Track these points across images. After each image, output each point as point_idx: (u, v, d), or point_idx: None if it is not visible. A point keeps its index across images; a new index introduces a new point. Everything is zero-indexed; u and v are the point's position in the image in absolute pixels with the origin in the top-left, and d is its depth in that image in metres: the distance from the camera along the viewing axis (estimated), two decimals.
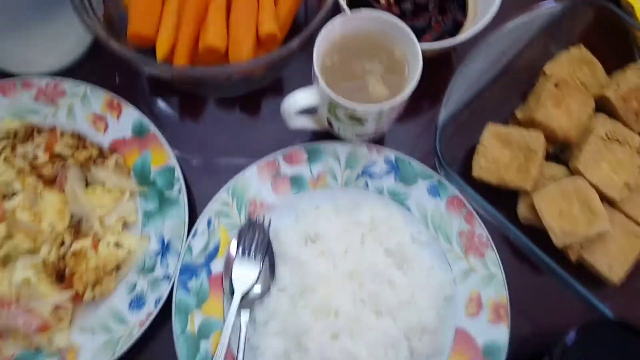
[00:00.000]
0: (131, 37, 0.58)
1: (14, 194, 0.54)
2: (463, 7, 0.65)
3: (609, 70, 0.64)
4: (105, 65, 0.65)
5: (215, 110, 0.65)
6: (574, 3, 0.62)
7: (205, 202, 0.56)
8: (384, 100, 0.51)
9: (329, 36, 0.52)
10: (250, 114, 0.65)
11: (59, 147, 0.56)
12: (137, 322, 0.51)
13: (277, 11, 0.60)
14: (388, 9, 0.62)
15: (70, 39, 0.63)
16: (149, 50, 0.58)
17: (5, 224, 0.52)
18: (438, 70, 0.61)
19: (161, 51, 0.57)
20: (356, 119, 0.52)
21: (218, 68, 0.53)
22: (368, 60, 0.54)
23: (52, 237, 0.52)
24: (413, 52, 0.53)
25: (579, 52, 0.64)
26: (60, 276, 0.52)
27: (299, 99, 0.52)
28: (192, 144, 0.62)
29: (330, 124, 0.56)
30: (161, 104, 0.64)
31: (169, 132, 0.59)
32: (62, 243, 0.52)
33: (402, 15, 0.61)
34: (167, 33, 0.57)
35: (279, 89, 0.66)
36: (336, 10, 0.57)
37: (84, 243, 0.52)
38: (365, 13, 0.54)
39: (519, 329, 0.55)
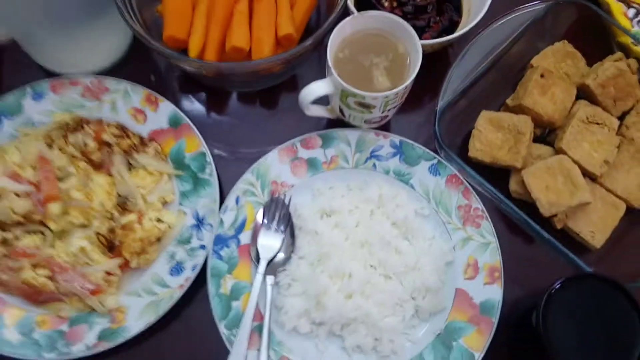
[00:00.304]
0: (166, 40, 0.66)
1: (67, 177, 0.62)
2: (458, 9, 0.72)
3: (590, 62, 0.71)
4: (141, 67, 0.73)
5: (238, 104, 0.73)
6: (557, 2, 0.70)
7: (231, 184, 0.64)
8: (387, 89, 0.59)
9: (341, 33, 0.60)
10: (269, 107, 0.73)
11: (106, 136, 0.64)
12: (177, 285, 0.59)
13: (293, 15, 0.68)
14: (391, 11, 0.70)
15: (110, 43, 0.71)
16: (182, 52, 0.66)
17: (61, 202, 0.60)
18: (436, 65, 0.69)
19: (193, 51, 0.65)
20: (365, 106, 0.60)
21: (244, 64, 0.61)
22: (375, 54, 0.61)
23: (102, 213, 0.60)
24: (414, 48, 0.61)
25: (563, 47, 0.71)
26: (110, 246, 0.60)
27: (315, 88, 0.59)
28: (218, 134, 0.70)
29: (341, 112, 0.64)
30: (190, 99, 0.72)
31: (197, 123, 0.67)
32: (111, 218, 0.60)
33: (404, 17, 0.69)
34: (198, 35, 0.65)
35: (294, 84, 0.73)
36: (345, 14, 0.64)
37: (130, 218, 0.60)
38: (372, 13, 0.62)
39: (511, 292, 0.61)
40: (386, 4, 0.71)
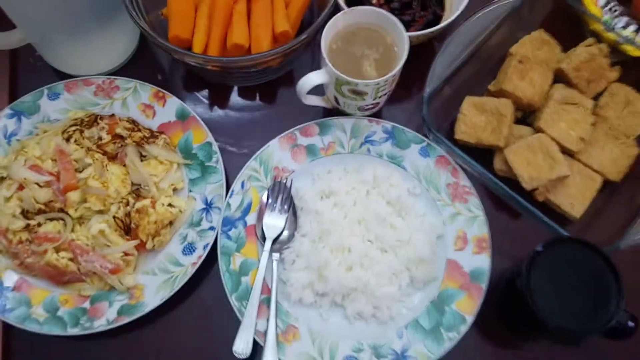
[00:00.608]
0: (172, 39, 0.71)
1: (85, 167, 0.67)
2: (441, 3, 0.78)
3: (565, 48, 0.76)
4: (147, 67, 0.78)
5: (238, 98, 0.78)
6: None
7: (236, 172, 0.69)
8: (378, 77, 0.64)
9: (334, 27, 0.66)
10: (269, 100, 0.78)
11: (119, 130, 0.69)
12: (190, 263, 0.64)
13: (288, 13, 0.74)
14: (379, 7, 0.75)
15: (119, 46, 0.77)
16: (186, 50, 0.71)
17: (80, 190, 0.65)
18: (423, 56, 0.75)
19: (197, 49, 0.70)
20: (358, 93, 0.65)
21: (245, 57, 0.66)
22: (366, 46, 0.67)
23: (118, 199, 0.65)
24: (401, 39, 0.66)
25: (539, 35, 0.77)
26: (127, 229, 0.65)
27: (312, 78, 0.65)
28: (222, 126, 0.75)
29: (337, 100, 0.69)
30: (195, 95, 0.78)
31: (202, 117, 0.72)
32: (127, 203, 0.65)
33: (391, 12, 0.74)
34: (201, 35, 0.71)
35: (291, 79, 0.79)
36: (336, 10, 0.70)
37: (145, 203, 0.65)
38: (362, 9, 0.67)
39: (499, 262, 0.66)
40: (374, 0, 0.77)
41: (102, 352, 0.63)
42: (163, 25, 0.74)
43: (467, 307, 0.63)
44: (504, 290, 0.64)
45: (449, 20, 0.71)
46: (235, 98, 0.78)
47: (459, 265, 0.66)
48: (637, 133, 0.72)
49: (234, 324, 0.61)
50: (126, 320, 0.61)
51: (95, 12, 0.69)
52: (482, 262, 0.65)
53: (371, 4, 0.75)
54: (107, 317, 0.61)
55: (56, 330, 0.61)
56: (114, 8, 0.69)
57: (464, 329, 0.62)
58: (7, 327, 0.63)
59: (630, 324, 0.58)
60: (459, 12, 0.71)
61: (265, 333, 0.61)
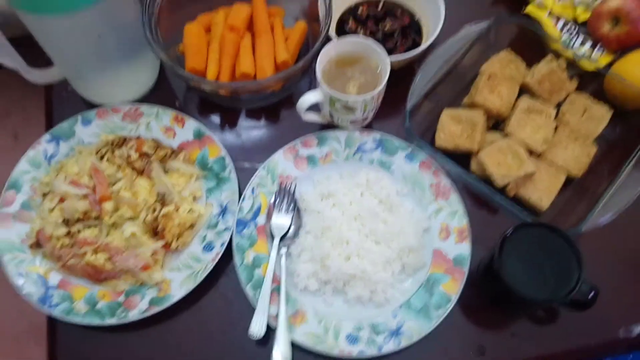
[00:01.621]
0: (188, 71, 0.82)
1: (117, 181, 0.77)
2: (419, 32, 0.90)
3: (529, 65, 0.87)
4: (167, 94, 0.90)
5: (246, 119, 0.89)
6: (498, 20, 0.87)
7: (246, 180, 0.79)
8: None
9: (327, 54, 0.77)
10: (273, 119, 0.89)
11: (145, 148, 0.79)
12: (210, 259, 0.73)
13: (288, 46, 0.86)
14: (365, 37, 0.87)
15: (142, 77, 0.88)
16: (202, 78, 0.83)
17: (113, 201, 0.75)
18: (405, 77, 0.85)
19: (211, 77, 0.81)
20: (349, 108, 0.76)
21: (251, 83, 0.78)
22: (354, 69, 0.78)
23: (146, 207, 0.75)
24: (384, 63, 0.77)
25: (506, 54, 0.88)
26: (155, 232, 0.74)
27: (309, 97, 0.76)
28: (233, 142, 0.86)
29: (331, 116, 0.80)
30: (209, 117, 0.89)
31: (215, 137, 0.83)
32: (154, 210, 0.75)
33: (375, 41, 0.86)
34: (213, 66, 0.83)
35: (291, 102, 0.89)
36: (328, 41, 0.81)
37: (169, 209, 0.75)
38: (351, 39, 0.79)
39: (478, 250, 0.74)
40: (361, 32, 0.89)
41: (135, 338, 0.72)
42: (180, 59, 0.87)
43: (451, 288, 0.72)
44: (483, 272, 0.73)
45: (425, 45, 0.83)
46: (243, 119, 0.89)
47: (443, 253, 0.75)
48: (595, 135, 0.82)
49: (249, 311, 0.71)
50: (156, 310, 0.70)
51: (123, 49, 0.80)
52: (463, 249, 0.75)
53: (358, 35, 0.87)
54: (139, 308, 0.71)
55: (96, 321, 0.70)
56: (139, 45, 0.81)
57: (449, 307, 0.71)
58: (52, 319, 0.72)
59: (591, 294, 0.68)
60: (432, 39, 0.83)
61: (277, 317, 0.70)
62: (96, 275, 0.73)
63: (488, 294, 0.74)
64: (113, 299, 0.72)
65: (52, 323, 0.73)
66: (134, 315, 0.70)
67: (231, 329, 0.73)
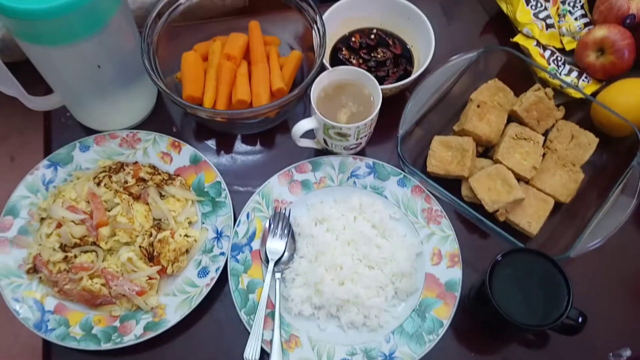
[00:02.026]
0: (186, 98, 0.84)
1: (113, 207, 0.78)
2: (410, 61, 0.92)
3: (517, 94, 0.90)
4: (164, 121, 0.92)
5: (242, 144, 0.91)
6: (486, 50, 0.90)
7: (242, 205, 0.80)
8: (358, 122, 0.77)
9: (321, 83, 0.79)
10: (268, 145, 0.91)
11: (142, 174, 0.81)
12: (204, 284, 0.74)
13: (283, 74, 0.88)
14: (358, 66, 0.90)
15: (140, 104, 0.90)
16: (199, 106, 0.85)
17: (110, 226, 0.76)
18: (397, 104, 0.88)
19: (208, 105, 0.83)
20: (342, 135, 0.78)
21: (248, 110, 0.80)
22: (347, 97, 0.81)
23: (143, 232, 0.76)
24: (376, 91, 0.80)
25: (495, 83, 0.91)
26: (150, 257, 0.75)
27: (303, 124, 0.78)
28: (228, 168, 0.87)
29: (325, 142, 0.82)
30: (205, 143, 0.90)
31: (211, 161, 0.84)
32: (150, 235, 0.76)
33: (368, 70, 0.89)
34: (210, 93, 0.84)
35: (286, 127, 0.91)
36: (322, 69, 0.83)
37: (165, 234, 0.76)
38: (344, 68, 0.81)
39: (469, 274, 0.76)
40: (354, 61, 0.91)
41: None
42: (177, 86, 0.89)
43: (443, 313, 0.73)
44: (474, 297, 0.74)
45: (416, 74, 0.86)
46: (239, 144, 0.91)
47: (435, 277, 0.76)
48: (583, 161, 0.85)
49: (244, 335, 0.71)
50: (151, 335, 0.71)
51: (122, 78, 0.82)
52: (455, 274, 0.76)
53: (351, 64, 0.90)
54: (134, 333, 0.71)
55: (92, 346, 0.70)
56: (137, 74, 0.83)
57: (441, 331, 0.72)
58: (47, 343, 0.73)
59: (580, 319, 0.69)
60: (423, 67, 0.86)
61: (271, 341, 0.71)
62: (92, 300, 0.73)
63: (479, 319, 0.75)
64: (109, 323, 0.73)
65: (48, 347, 0.73)
66: (129, 340, 0.71)
67: (225, 354, 0.73)
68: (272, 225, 0.79)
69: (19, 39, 0.70)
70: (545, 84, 0.90)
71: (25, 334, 0.76)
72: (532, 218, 0.80)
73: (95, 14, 0.69)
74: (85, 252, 0.76)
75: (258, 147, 0.91)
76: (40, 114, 0.92)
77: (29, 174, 0.82)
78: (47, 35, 0.68)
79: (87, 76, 0.78)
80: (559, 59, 0.96)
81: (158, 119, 0.92)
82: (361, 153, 0.87)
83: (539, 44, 0.95)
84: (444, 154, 0.84)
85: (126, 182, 0.80)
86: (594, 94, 0.90)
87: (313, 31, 0.85)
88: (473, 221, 0.79)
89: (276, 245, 0.77)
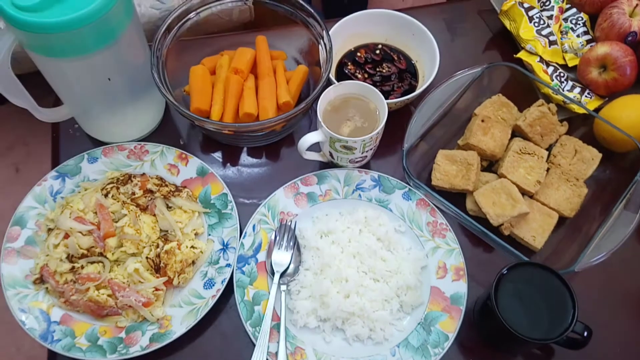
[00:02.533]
0: (193, 111, 0.85)
1: (121, 218, 0.79)
2: (415, 76, 0.94)
3: (521, 109, 0.91)
4: (171, 133, 0.93)
5: (248, 157, 0.92)
6: (490, 66, 0.91)
7: (248, 217, 0.81)
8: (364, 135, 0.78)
9: (327, 97, 0.80)
10: (273, 158, 0.92)
11: (149, 185, 0.82)
12: (210, 296, 0.74)
13: (289, 87, 0.89)
14: (364, 80, 0.91)
15: (147, 117, 0.91)
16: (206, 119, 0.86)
17: (117, 237, 0.77)
18: (402, 118, 0.89)
19: (215, 118, 0.84)
20: (348, 148, 0.79)
21: (254, 123, 0.80)
22: (353, 111, 0.82)
23: (149, 243, 0.77)
24: (382, 105, 0.81)
25: (499, 99, 0.92)
26: (157, 268, 0.76)
27: (310, 137, 0.79)
28: (235, 180, 0.88)
29: (331, 155, 0.83)
30: (211, 155, 0.91)
31: (218, 173, 0.85)
32: (157, 246, 0.77)
33: (373, 84, 0.90)
34: (218, 106, 0.86)
35: (291, 140, 0.93)
36: (329, 84, 0.85)
37: (172, 245, 0.76)
38: (350, 82, 0.82)
39: (474, 288, 0.76)
40: (359, 75, 0.92)
41: None
42: (185, 99, 0.90)
43: (449, 327, 0.73)
44: (479, 311, 0.74)
45: (421, 89, 0.87)
46: (245, 157, 0.92)
47: (441, 291, 0.76)
48: (586, 176, 0.85)
49: (249, 348, 0.71)
50: (157, 346, 0.71)
51: (131, 91, 0.83)
52: (460, 287, 0.76)
53: (357, 79, 0.91)
54: (140, 344, 0.71)
55: (97, 357, 0.70)
56: (146, 87, 0.84)
57: (447, 345, 0.72)
58: (52, 354, 0.73)
59: (585, 333, 0.69)
60: (428, 82, 0.87)
61: (276, 354, 0.71)
62: (98, 311, 0.74)
63: (485, 332, 0.75)
64: (114, 334, 0.73)
65: (53, 358, 0.73)
66: (135, 351, 0.71)
67: None
68: (277, 238, 0.79)
69: (32, 51, 0.72)
70: (548, 99, 0.91)
71: (27, 345, 0.76)
72: (536, 232, 0.81)
73: (107, 27, 0.71)
74: (92, 262, 0.76)
75: (264, 159, 0.92)
76: (46, 125, 0.93)
77: (37, 184, 0.83)
78: (59, 48, 0.70)
79: (98, 88, 0.79)
80: (562, 75, 0.97)
81: (165, 132, 0.93)
82: (366, 166, 0.88)
83: (542, 60, 0.96)
84: (449, 167, 0.85)
85: (133, 193, 0.81)
86: (597, 110, 0.91)
87: (319, 46, 0.87)
88: (478, 235, 0.79)
89: (282, 258, 0.78)
